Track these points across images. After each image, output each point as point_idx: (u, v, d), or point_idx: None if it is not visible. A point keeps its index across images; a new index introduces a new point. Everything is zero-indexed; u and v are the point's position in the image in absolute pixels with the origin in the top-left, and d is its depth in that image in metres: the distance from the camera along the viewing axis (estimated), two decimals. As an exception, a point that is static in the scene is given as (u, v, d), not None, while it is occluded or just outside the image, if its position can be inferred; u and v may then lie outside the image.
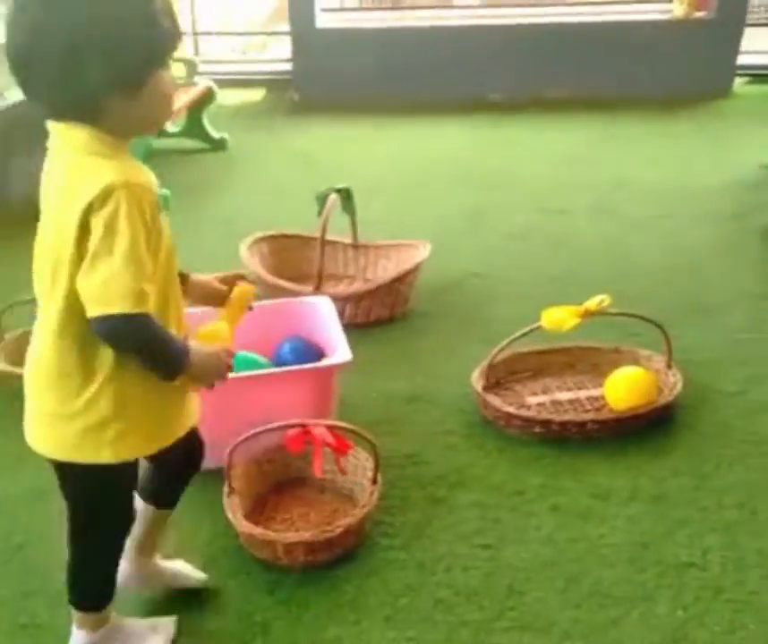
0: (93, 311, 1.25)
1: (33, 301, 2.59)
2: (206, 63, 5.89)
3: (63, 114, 1.25)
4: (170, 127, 4.95)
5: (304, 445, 1.94)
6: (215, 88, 4.97)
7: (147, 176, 1.30)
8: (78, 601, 1.56)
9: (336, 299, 2.53)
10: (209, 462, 2.05)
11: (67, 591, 1.56)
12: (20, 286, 2.89)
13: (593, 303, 2.30)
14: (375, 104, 5.62)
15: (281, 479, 2.09)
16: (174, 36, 1.28)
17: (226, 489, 1.93)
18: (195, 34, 6.47)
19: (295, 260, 3.21)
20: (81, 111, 1.23)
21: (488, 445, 2.25)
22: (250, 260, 3.02)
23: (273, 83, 6.24)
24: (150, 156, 4.12)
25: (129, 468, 1.45)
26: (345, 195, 3.02)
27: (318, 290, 2.78)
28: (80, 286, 1.25)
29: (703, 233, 3.57)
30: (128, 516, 1.56)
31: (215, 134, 4.98)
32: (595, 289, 2.41)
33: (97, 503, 1.47)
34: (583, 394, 2.41)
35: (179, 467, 1.61)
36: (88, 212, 1.21)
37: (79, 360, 1.33)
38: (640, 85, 5.56)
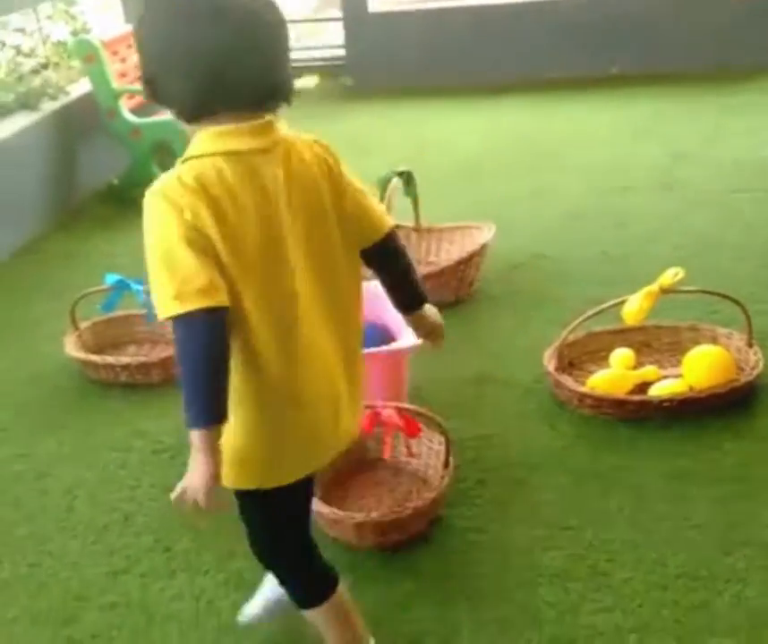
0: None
1: (104, 291, 2.69)
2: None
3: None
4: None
5: (374, 428, 1.94)
6: (270, 76, 4.97)
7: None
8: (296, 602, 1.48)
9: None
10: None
11: None
12: (90, 275, 2.99)
13: (666, 278, 2.25)
14: (429, 86, 5.58)
15: (356, 461, 2.09)
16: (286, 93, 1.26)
17: (300, 469, 1.94)
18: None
19: (358, 245, 3.21)
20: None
21: (562, 427, 2.22)
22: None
23: (326, 70, 6.25)
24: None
25: (281, 493, 1.32)
26: (407, 179, 3.00)
27: (383, 273, 2.77)
28: None
29: (769, 207, 3.46)
30: (290, 542, 1.42)
31: (271, 122, 4.99)
32: (662, 267, 2.35)
33: (257, 526, 1.41)
34: (660, 373, 2.35)
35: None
36: None
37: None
38: (701, 58, 5.40)
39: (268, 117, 1.24)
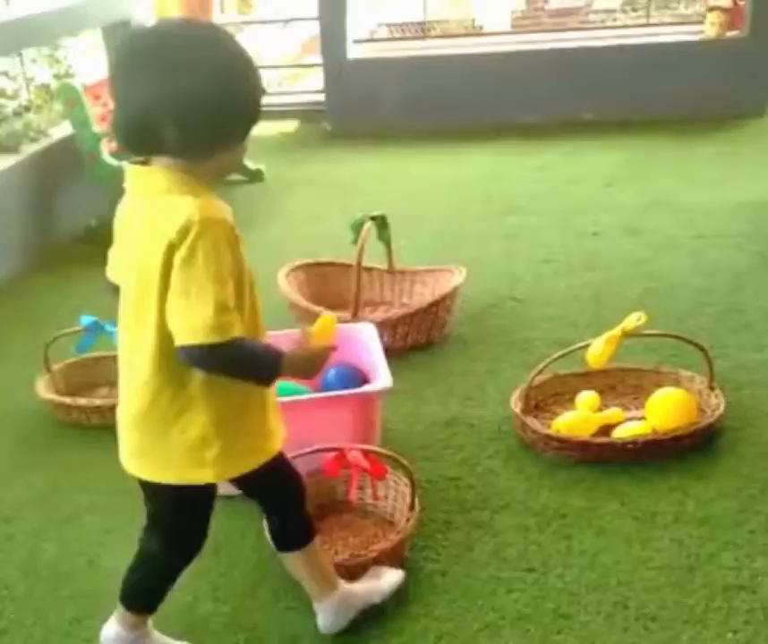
0: (177, 341, 1.33)
1: (77, 333, 2.70)
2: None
3: (181, 155, 1.34)
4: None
5: (341, 470, 1.95)
6: (250, 120, 5.04)
7: (225, 211, 1.37)
8: (127, 600, 1.64)
9: (373, 325, 2.55)
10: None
11: (121, 585, 1.65)
12: (65, 317, 2.99)
13: (630, 323, 2.29)
14: (407, 132, 5.68)
15: (324, 503, 2.11)
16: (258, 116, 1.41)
17: (267, 511, 1.95)
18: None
19: (333, 287, 3.25)
20: (199, 154, 1.36)
21: (528, 469, 2.25)
22: (287, 287, 3.07)
23: (306, 114, 6.34)
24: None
25: (212, 488, 1.55)
26: (380, 223, 3.05)
27: (355, 316, 2.81)
28: (167, 318, 1.34)
29: (736, 252, 3.53)
30: (202, 539, 1.63)
31: (251, 166, 5.06)
32: (629, 311, 2.39)
33: (183, 520, 1.58)
34: (624, 415, 2.39)
35: (276, 499, 1.65)
36: (170, 251, 1.30)
37: (175, 385, 1.40)
38: (671, 106, 5.54)
39: None
